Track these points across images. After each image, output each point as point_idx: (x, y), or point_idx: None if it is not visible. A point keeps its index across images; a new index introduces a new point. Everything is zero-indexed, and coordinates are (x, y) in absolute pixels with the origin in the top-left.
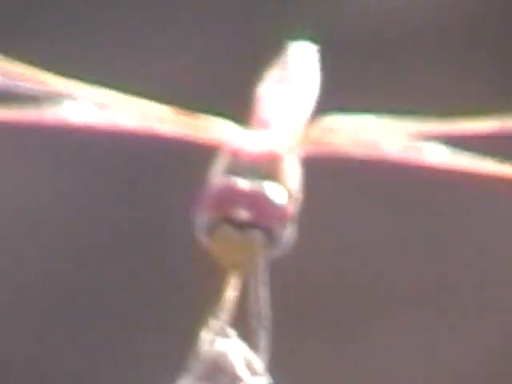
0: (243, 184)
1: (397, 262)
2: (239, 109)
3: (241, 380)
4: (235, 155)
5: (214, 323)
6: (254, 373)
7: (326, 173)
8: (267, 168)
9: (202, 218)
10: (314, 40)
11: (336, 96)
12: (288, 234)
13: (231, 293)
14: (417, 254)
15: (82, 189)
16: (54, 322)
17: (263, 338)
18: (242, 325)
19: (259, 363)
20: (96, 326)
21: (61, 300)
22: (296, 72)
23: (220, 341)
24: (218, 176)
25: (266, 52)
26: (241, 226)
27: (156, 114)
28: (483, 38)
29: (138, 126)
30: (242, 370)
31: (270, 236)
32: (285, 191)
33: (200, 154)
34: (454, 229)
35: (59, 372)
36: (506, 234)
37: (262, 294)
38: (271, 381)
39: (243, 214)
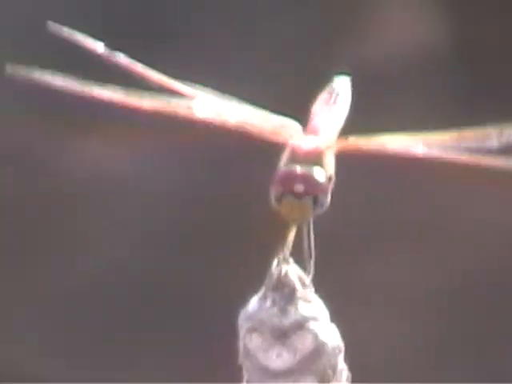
0: (299, 169)
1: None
2: (300, 120)
3: (296, 290)
4: (294, 150)
5: (281, 254)
6: (304, 285)
7: (345, 162)
8: (314, 159)
9: (275, 191)
10: (348, 74)
11: (358, 114)
12: (326, 200)
13: (292, 236)
14: (401, 204)
15: (193, 175)
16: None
17: (310, 264)
18: (298, 255)
19: (307, 279)
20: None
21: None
22: (337, 97)
23: (284, 265)
24: (284, 164)
25: (318, 83)
26: (298, 195)
27: (251, 119)
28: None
29: (237, 125)
30: (297, 284)
31: (316, 201)
32: (324, 174)
33: (274, 149)
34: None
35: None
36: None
37: (310, 237)
38: (314, 289)
39: (299, 188)
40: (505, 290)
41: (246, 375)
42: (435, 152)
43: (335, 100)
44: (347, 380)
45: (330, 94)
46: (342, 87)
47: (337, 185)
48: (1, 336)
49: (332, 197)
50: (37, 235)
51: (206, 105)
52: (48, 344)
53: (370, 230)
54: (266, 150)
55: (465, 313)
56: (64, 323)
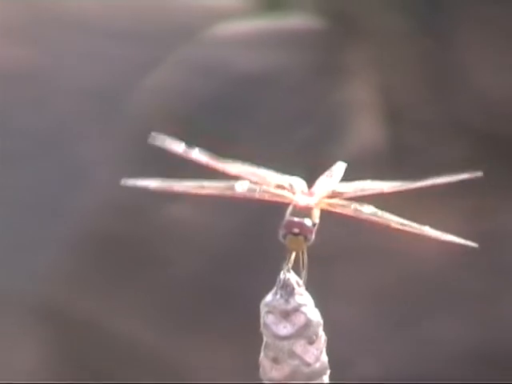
0: (296, 219)
1: None
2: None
3: (294, 288)
4: (295, 206)
5: (285, 268)
6: (299, 286)
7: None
8: (306, 213)
9: (282, 232)
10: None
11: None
12: (312, 237)
13: (292, 257)
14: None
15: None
16: None
17: (303, 273)
18: (296, 269)
19: (301, 282)
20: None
21: None
22: (332, 175)
23: (287, 274)
24: (288, 215)
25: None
26: (295, 235)
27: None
28: None
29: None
30: (295, 285)
31: (306, 238)
32: (311, 222)
33: (282, 207)
34: None
35: None
36: None
37: (305, 259)
38: (305, 288)
39: (296, 231)
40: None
41: (264, 339)
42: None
43: (332, 176)
44: (324, 341)
45: (330, 172)
46: (338, 169)
47: (320, 225)
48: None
49: (316, 233)
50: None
51: (244, 186)
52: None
53: (341, 251)
54: (280, 207)
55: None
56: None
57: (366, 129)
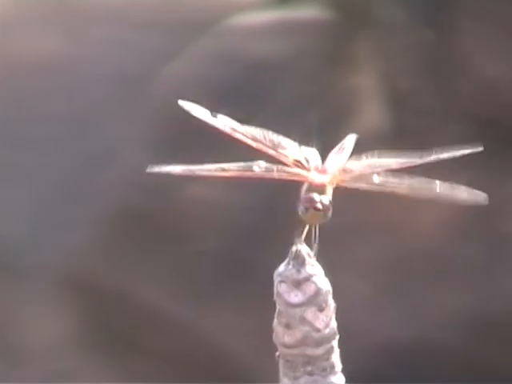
0: (317, 196)
1: None
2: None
3: (306, 259)
4: (311, 184)
5: (298, 240)
6: (310, 257)
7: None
8: (322, 189)
9: (304, 206)
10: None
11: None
12: (330, 213)
13: (305, 231)
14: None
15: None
16: None
17: (315, 245)
18: (308, 242)
19: (312, 254)
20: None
21: None
22: (343, 150)
23: (299, 246)
24: (305, 191)
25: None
26: (317, 210)
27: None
28: None
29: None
30: (306, 256)
31: (324, 214)
32: (329, 200)
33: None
34: None
35: None
36: None
37: (316, 232)
38: (315, 259)
39: (319, 207)
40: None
41: (277, 307)
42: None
43: (342, 151)
44: (333, 309)
45: (342, 146)
46: (349, 143)
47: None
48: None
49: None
50: None
51: (262, 166)
52: None
53: (349, 226)
54: (295, 185)
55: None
56: None
57: (372, 113)
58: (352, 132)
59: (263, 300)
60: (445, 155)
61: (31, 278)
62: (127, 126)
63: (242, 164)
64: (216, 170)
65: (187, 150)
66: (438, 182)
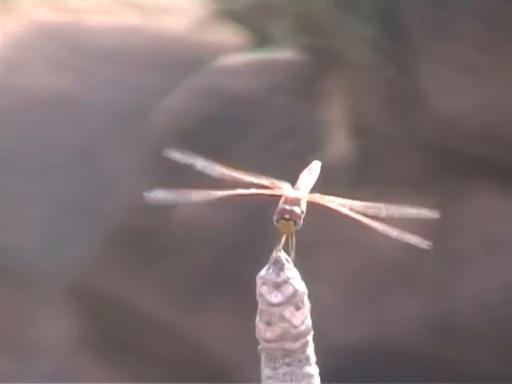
0: (287, 207)
1: None
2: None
3: (284, 264)
4: (286, 198)
5: (277, 247)
6: (288, 262)
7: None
8: (295, 203)
9: (276, 217)
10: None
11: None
12: (300, 222)
13: (283, 239)
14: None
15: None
16: None
17: (292, 252)
18: (287, 249)
19: (290, 259)
20: None
21: None
22: (312, 172)
23: (278, 252)
24: (280, 204)
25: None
26: (286, 220)
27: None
28: None
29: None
30: (284, 261)
31: (295, 223)
32: (300, 210)
33: (276, 200)
34: None
35: None
36: None
37: (294, 241)
38: (293, 264)
39: (287, 216)
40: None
41: (259, 306)
42: (351, 215)
43: (311, 173)
44: (308, 308)
45: (310, 169)
46: (315, 167)
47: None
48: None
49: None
50: None
51: (246, 190)
52: None
53: (319, 241)
54: (275, 200)
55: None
56: None
57: (340, 142)
58: (321, 159)
59: (247, 304)
60: (404, 212)
61: (42, 286)
62: (126, 155)
63: (228, 191)
64: (206, 195)
65: (180, 177)
66: (390, 205)
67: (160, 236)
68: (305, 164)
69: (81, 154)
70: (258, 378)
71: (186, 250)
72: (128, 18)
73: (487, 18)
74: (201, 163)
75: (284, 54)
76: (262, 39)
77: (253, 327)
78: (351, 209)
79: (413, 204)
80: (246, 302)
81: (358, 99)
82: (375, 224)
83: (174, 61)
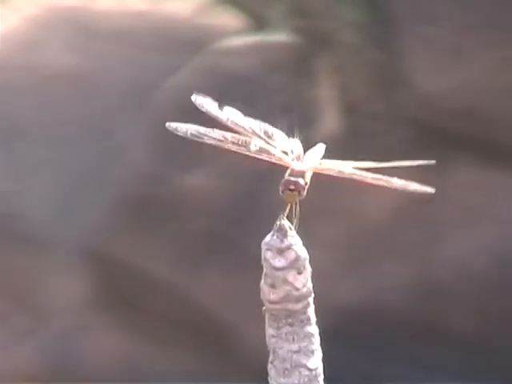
0: (292, 179)
1: None
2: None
3: (287, 231)
4: (292, 170)
5: (281, 216)
6: (291, 229)
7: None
8: (300, 174)
9: (281, 188)
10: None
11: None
12: (304, 193)
13: (287, 208)
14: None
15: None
16: None
17: (295, 220)
18: (290, 217)
19: (293, 227)
20: None
21: None
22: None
23: (282, 220)
24: (286, 176)
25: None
26: (291, 190)
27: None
28: None
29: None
30: (287, 228)
31: (300, 193)
32: (303, 181)
33: (282, 170)
34: None
35: None
36: None
37: (297, 210)
38: (295, 231)
39: (292, 187)
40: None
41: (264, 270)
42: (354, 175)
43: (316, 151)
44: (309, 272)
45: (314, 149)
46: (320, 148)
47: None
48: None
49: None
50: None
51: (257, 146)
52: None
53: (315, 211)
54: (281, 170)
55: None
56: None
57: (330, 118)
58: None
59: (243, 271)
60: (400, 164)
61: (57, 249)
62: (135, 128)
63: (241, 138)
64: (219, 140)
65: (184, 149)
66: (394, 177)
67: (166, 204)
68: (300, 139)
69: (93, 127)
70: (251, 336)
71: (190, 218)
72: (136, 3)
73: (467, 4)
74: (226, 113)
75: (279, 36)
76: (259, 23)
77: (248, 289)
78: (352, 171)
79: (398, 175)
80: (243, 266)
81: (347, 78)
82: (379, 177)
83: (179, 42)
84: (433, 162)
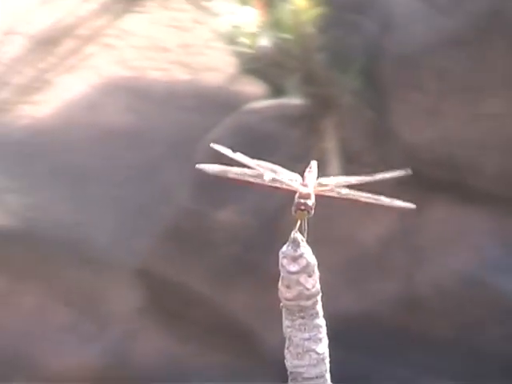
0: (302, 201)
1: None
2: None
3: (299, 243)
4: (300, 193)
5: (294, 230)
6: (303, 241)
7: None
8: (308, 196)
9: (294, 208)
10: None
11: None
12: (312, 212)
13: (298, 224)
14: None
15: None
16: None
17: (305, 233)
18: (301, 231)
19: (304, 239)
20: None
21: None
22: (312, 170)
23: (295, 234)
24: (296, 198)
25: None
26: (303, 210)
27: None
28: None
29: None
30: (300, 240)
31: (309, 212)
32: (312, 202)
33: (292, 194)
34: None
35: None
36: None
37: (306, 226)
38: (306, 243)
39: (303, 208)
40: None
41: (281, 274)
42: (348, 196)
43: (312, 171)
44: (318, 276)
45: (310, 168)
46: (314, 166)
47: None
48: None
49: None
50: None
51: (270, 176)
52: None
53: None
54: (291, 195)
55: None
56: None
57: (334, 165)
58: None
59: (264, 287)
60: (385, 176)
61: (115, 269)
62: (179, 174)
63: (256, 172)
64: (240, 174)
65: (217, 191)
66: (381, 196)
67: (203, 233)
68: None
69: (145, 172)
70: (271, 338)
71: (222, 245)
72: (179, 74)
73: (443, 73)
74: (242, 157)
75: (293, 100)
76: (277, 90)
77: (268, 302)
78: (347, 190)
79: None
80: (264, 284)
81: (347, 133)
82: (368, 195)
83: (214, 105)
84: (413, 206)
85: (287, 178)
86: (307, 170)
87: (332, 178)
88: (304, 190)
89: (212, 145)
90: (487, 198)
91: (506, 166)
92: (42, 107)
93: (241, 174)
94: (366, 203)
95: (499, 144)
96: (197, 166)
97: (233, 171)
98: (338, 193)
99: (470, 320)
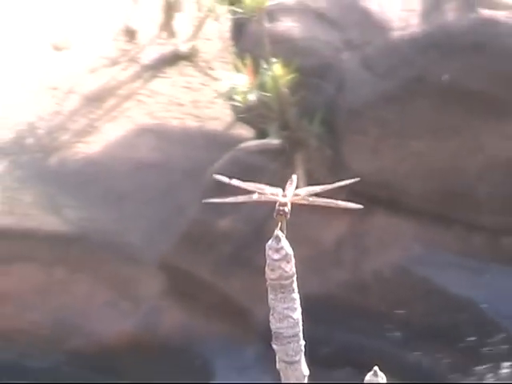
0: (281, 208)
1: None
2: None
3: (280, 238)
4: (280, 202)
5: (276, 230)
6: (282, 237)
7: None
8: (285, 204)
9: (275, 214)
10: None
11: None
12: (288, 216)
13: (279, 226)
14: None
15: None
16: None
17: (284, 231)
18: (282, 230)
19: (283, 236)
20: None
21: None
22: (292, 184)
23: (277, 231)
24: (276, 206)
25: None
26: (282, 215)
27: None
28: None
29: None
30: (281, 237)
31: (286, 216)
32: (288, 209)
33: (273, 204)
34: None
35: None
36: None
37: (285, 226)
38: (285, 238)
39: (281, 213)
40: None
41: (267, 261)
42: (312, 202)
43: (292, 184)
44: (293, 262)
45: (291, 180)
46: (294, 178)
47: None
48: None
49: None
50: None
51: (256, 197)
52: None
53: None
54: (274, 205)
55: None
56: None
57: (302, 188)
58: None
59: (255, 275)
60: (339, 184)
61: (142, 262)
62: (191, 195)
63: (247, 196)
64: (235, 199)
65: (219, 207)
66: (338, 201)
67: (209, 236)
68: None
69: (166, 193)
70: (259, 313)
71: (223, 244)
72: (191, 122)
73: (381, 122)
74: (236, 182)
75: (273, 141)
76: (262, 133)
77: (258, 287)
78: (314, 197)
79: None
80: (254, 273)
81: (311, 165)
82: (330, 200)
83: (216, 145)
84: (361, 206)
85: (270, 191)
86: (288, 182)
87: (304, 188)
88: (282, 200)
89: (214, 175)
90: (414, 211)
91: (427, 188)
92: (93, 146)
93: (234, 200)
94: (329, 207)
95: (422, 174)
96: (203, 201)
97: (230, 199)
98: (308, 200)
99: (401, 299)
